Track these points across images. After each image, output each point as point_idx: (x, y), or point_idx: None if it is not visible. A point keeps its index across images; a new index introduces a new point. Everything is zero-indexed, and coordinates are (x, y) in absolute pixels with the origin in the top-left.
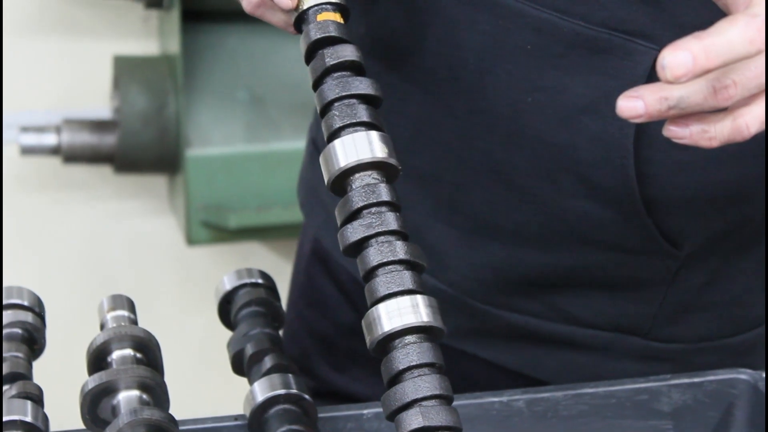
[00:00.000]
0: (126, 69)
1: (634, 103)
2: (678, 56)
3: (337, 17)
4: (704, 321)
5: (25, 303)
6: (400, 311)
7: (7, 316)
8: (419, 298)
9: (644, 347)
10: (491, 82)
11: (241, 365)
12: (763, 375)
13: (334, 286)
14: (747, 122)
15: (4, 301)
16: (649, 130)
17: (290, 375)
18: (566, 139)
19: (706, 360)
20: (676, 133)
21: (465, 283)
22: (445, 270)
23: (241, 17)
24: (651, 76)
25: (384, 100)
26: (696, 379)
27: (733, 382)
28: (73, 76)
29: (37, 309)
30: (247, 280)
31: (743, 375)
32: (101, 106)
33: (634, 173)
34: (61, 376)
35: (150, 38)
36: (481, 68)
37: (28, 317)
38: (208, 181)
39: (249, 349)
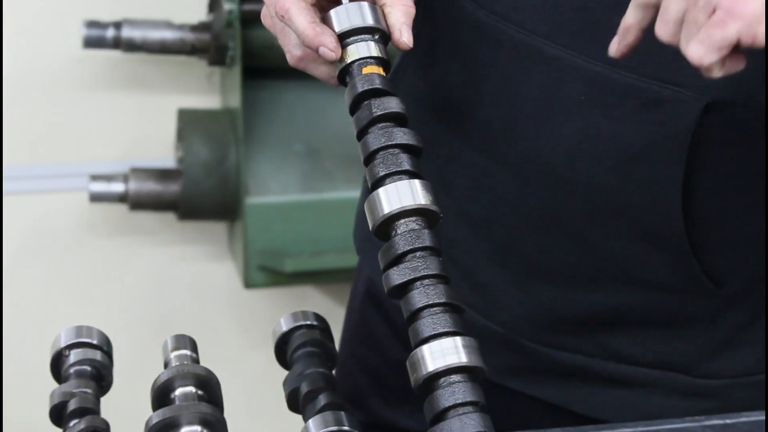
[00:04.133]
0: (190, 122)
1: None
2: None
3: (380, 70)
4: (744, 357)
5: (94, 342)
6: (443, 352)
7: (77, 354)
8: (460, 340)
9: (689, 384)
10: (545, 131)
11: (297, 403)
12: None
13: (386, 324)
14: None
15: (75, 340)
16: (697, 175)
17: (343, 413)
18: (617, 184)
19: (746, 394)
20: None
21: (516, 322)
22: (497, 310)
23: (298, 74)
24: (699, 124)
25: (441, 150)
26: (729, 420)
27: (765, 423)
28: (140, 127)
29: (105, 347)
30: (303, 322)
31: None
32: (166, 157)
33: (681, 217)
34: (127, 411)
35: (213, 93)
36: (535, 119)
37: (97, 355)
38: (265, 227)
39: (304, 388)
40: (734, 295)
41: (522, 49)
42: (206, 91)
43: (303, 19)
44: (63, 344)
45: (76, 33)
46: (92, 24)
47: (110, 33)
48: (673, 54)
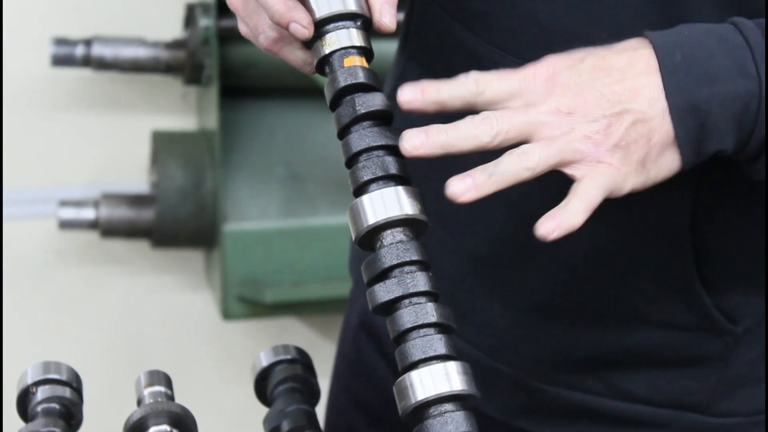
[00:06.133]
0: (164, 144)
1: (464, 181)
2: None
3: (363, 61)
4: (759, 395)
5: (63, 378)
6: (433, 378)
7: (45, 390)
8: (452, 365)
9: (703, 423)
10: None
11: None
12: None
13: (381, 357)
14: (586, 191)
15: (42, 376)
16: (705, 210)
17: None
18: (623, 219)
19: None
20: (547, 230)
21: (522, 362)
22: (503, 350)
23: (278, 93)
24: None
25: (437, 184)
26: None
27: None
28: (111, 150)
29: (75, 384)
30: (284, 357)
31: None
32: (139, 181)
33: (691, 251)
34: None
35: (188, 114)
36: None
37: (66, 392)
38: (244, 255)
39: (285, 426)
40: (746, 331)
41: None
42: (181, 111)
43: None
44: (30, 381)
45: (43, 50)
46: (61, 41)
47: (80, 51)
48: None
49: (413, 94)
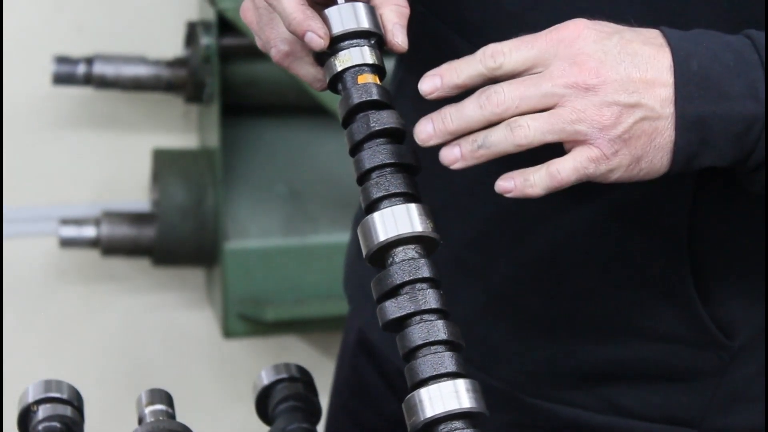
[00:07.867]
0: (165, 162)
1: (452, 150)
2: (423, 127)
3: (376, 79)
4: (754, 412)
5: (64, 396)
6: (442, 396)
7: (46, 409)
8: (461, 383)
9: None
10: None
11: None
12: None
13: (378, 377)
14: (558, 168)
15: (44, 395)
16: (702, 220)
17: None
18: (620, 229)
19: None
20: (504, 187)
21: (514, 376)
22: (495, 364)
23: (279, 111)
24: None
25: (436, 196)
26: None
27: None
28: (112, 168)
29: (76, 402)
30: (285, 375)
31: None
32: (140, 199)
33: (688, 263)
34: None
35: (189, 132)
36: (531, 161)
37: (67, 411)
38: (245, 273)
39: None
40: (742, 347)
41: None
42: (183, 129)
43: (293, 0)
44: (31, 399)
45: (44, 69)
46: (62, 59)
47: (81, 69)
48: None
49: (432, 84)
